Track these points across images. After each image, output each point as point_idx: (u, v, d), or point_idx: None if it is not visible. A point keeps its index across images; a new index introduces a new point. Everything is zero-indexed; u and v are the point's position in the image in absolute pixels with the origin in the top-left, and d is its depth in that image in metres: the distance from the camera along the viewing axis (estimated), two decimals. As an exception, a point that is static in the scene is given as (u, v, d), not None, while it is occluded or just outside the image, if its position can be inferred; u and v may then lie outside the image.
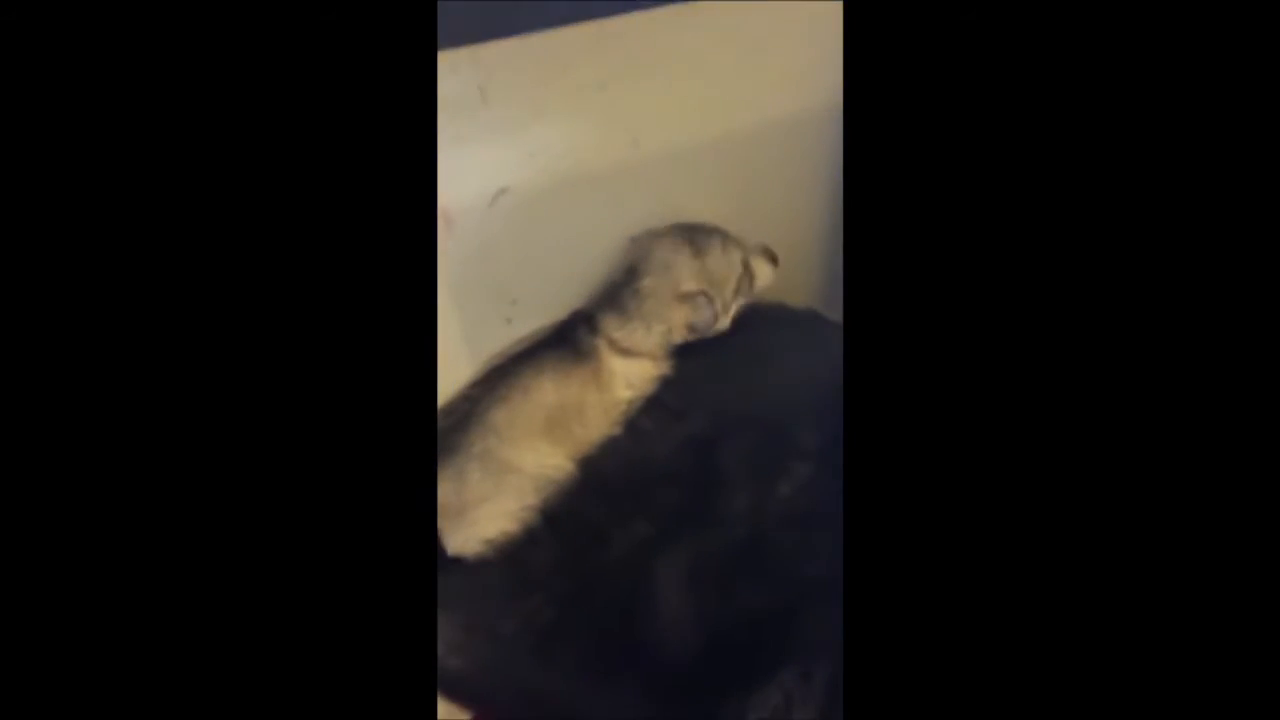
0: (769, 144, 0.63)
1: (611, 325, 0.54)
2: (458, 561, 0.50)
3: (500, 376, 0.53)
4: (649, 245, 0.55)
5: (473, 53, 0.46)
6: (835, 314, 0.64)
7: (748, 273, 0.55)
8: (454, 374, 0.56)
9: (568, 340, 0.54)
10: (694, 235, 0.55)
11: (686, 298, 0.53)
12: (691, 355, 0.54)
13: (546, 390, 0.52)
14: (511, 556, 0.48)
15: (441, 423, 0.52)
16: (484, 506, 0.50)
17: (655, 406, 0.51)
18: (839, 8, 0.62)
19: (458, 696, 0.47)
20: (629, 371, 0.53)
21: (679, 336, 0.54)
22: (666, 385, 0.52)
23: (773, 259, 0.58)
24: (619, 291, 0.54)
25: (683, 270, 0.54)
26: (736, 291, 0.55)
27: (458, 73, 0.47)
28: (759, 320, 0.57)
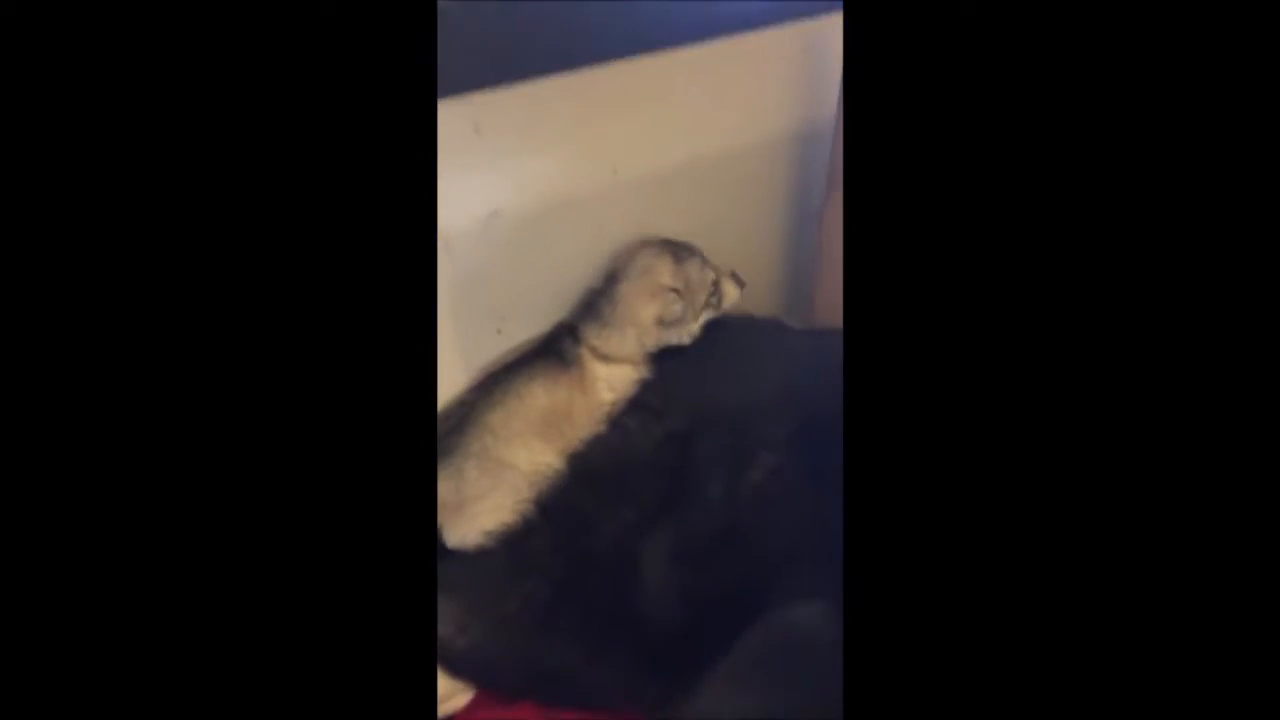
0: (733, 169, 0.69)
1: (591, 333, 0.58)
2: (458, 552, 0.54)
3: (494, 383, 0.57)
4: (631, 253, 0.60)
5: (469, 97, 0.51)
6: (796, 322, 0.70)
7: (717, 291, 0.60)
8: (450, 381, 0.60)
9: (554, 349, 0.59)
10: (675, 248, 0.60)
11: (659, 293, 0.57)
12: (669, 360, 0.59)
13: (538, 394, 0.56)
14: (510, 545, 0.53)
15: (440, 426, 0.57)
16: (482, 501, 0.55)
17: (637, 406, 0.55)
18: (796, 47, 0.69)
19: (464, 673, 0.51)
20: (611, 376, 0.58)
21: (651, 339, 0.58)
22: (647, 387, 0.56)
23: (740, 283, 0.63)
24: (597, 299, 0.59)
25: (662, 273, 0.58)
26: (705, 304, 0.60)
27: (455, 112, 0.52)
28: (728, 328, 0.62)
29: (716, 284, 0.60)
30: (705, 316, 0.60)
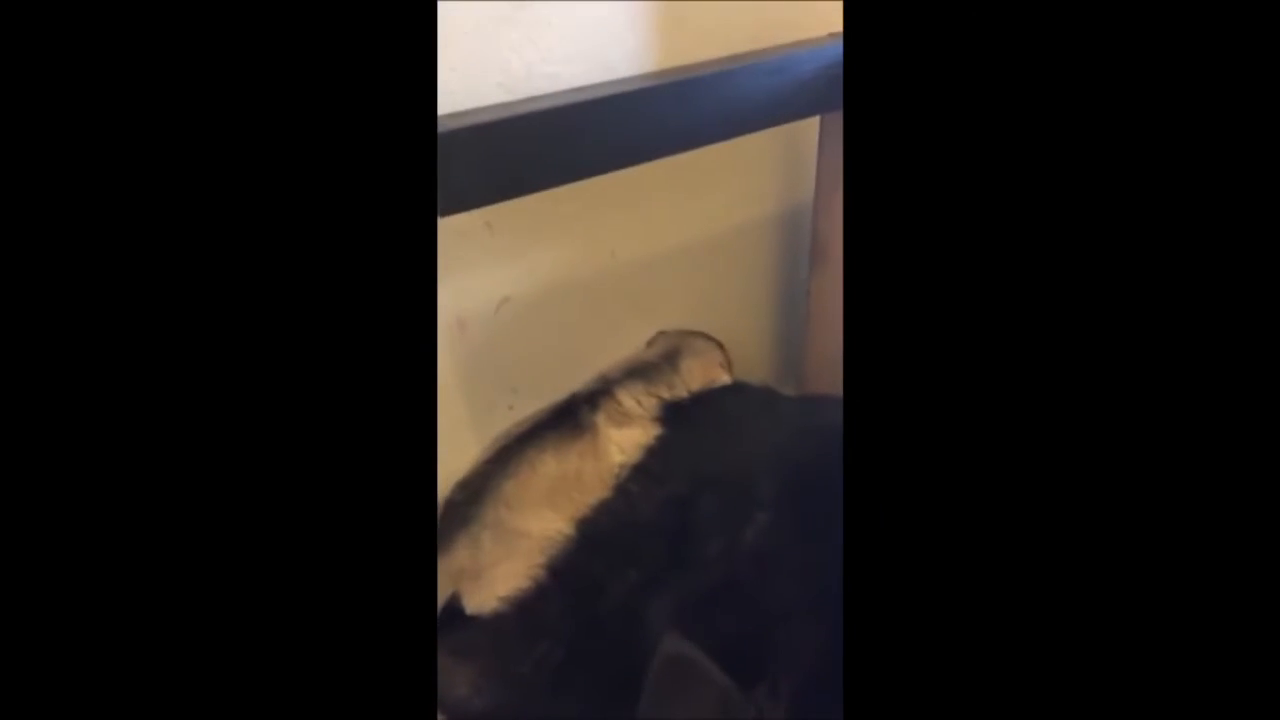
0: (725, 250, 0.74)
1: (625, 394, 0.64)
2: (477, 617, 0.57)
3: (508, 455, 0.62)
4: (681, 339, 0.68)
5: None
6: (786, 388, 0.75)
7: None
8: (462, 454, 0.65)
9: (568, 417, 0.63)
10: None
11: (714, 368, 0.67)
12: (670, 428, 0.63)
13: (549, 463, 0.60)
14: (523, 609, 0.56)
15: (457, 495, 0.60)
16: (498, 568, 0.58)
17: (640, 473, 0.59)
18: (777, 143, 0.76)
19: (481, 734, 0.53)
20: (622, 439, 0.62)
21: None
22: (650, 454, 0.60)
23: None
24: (655, 367, 0.66)
25: (712, 359, 0.67)
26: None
27: (470, 213, 0.58)
28: (724, 396, 0.67)
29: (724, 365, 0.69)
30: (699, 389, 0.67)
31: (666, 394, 0.65)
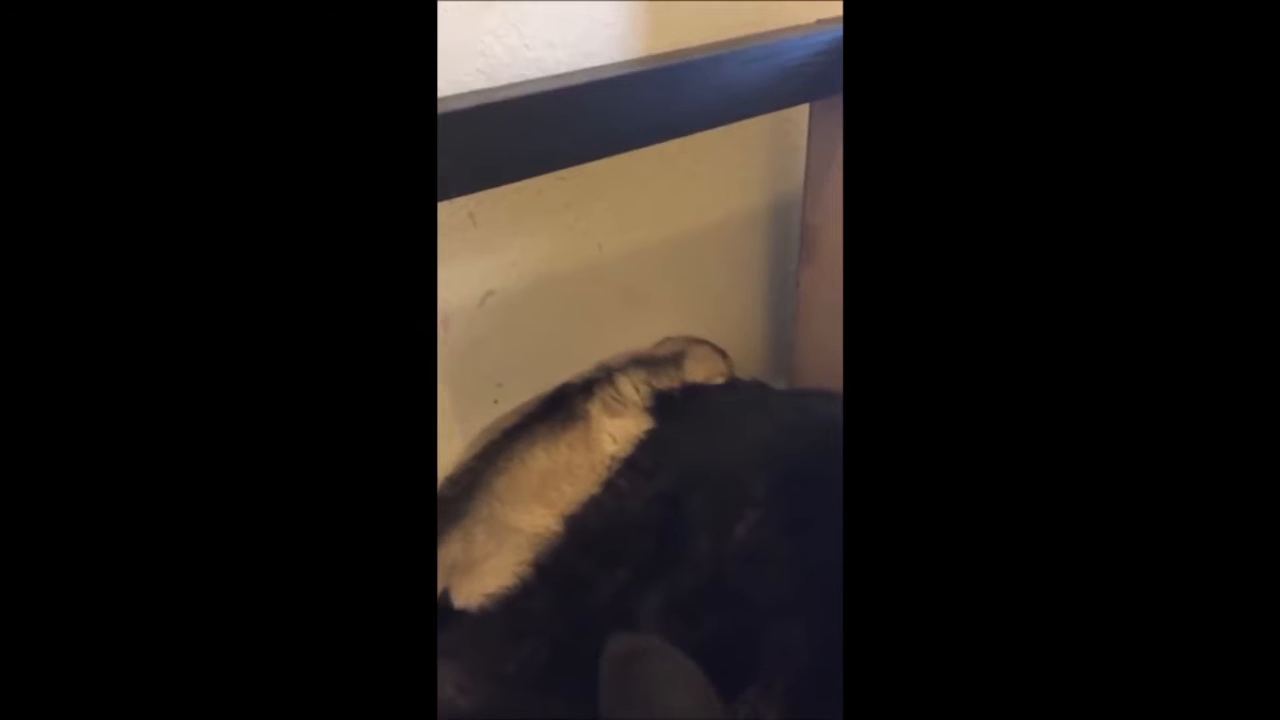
0: (713, 241, 0.73)
1: (624, 382, 0.63)
2: (464, 614, 0.56)
3: (498, 449, 0.60)
4: (688, 344, 0.68)
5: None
6: (777, 382, 0.74)
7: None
8: (448, 448, 0.64)
9: (559, 408, 0.62)
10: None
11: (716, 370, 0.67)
12: (661, 420, 0.62)
13: (539, 457, 0.59)
14: (510, 607, 0.55)
15: (448, 491, 0.59)
16: (488, 562, 0.57)
17: (629, 468, 0.58)
18: (766, 134, 0.75)
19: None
20: (615, 429, 0.61)
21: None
22: (640, 448, 0.60)
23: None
24: (660, 361, 0.65)
25: (715, 366, 0.67)
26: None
27: (453, 204, 0.57)
28: (713, 391, 0.66)
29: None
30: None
31: (664, 385, 0.65)
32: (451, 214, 0.57)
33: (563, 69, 0.55)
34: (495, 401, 0.67)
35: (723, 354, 0.69)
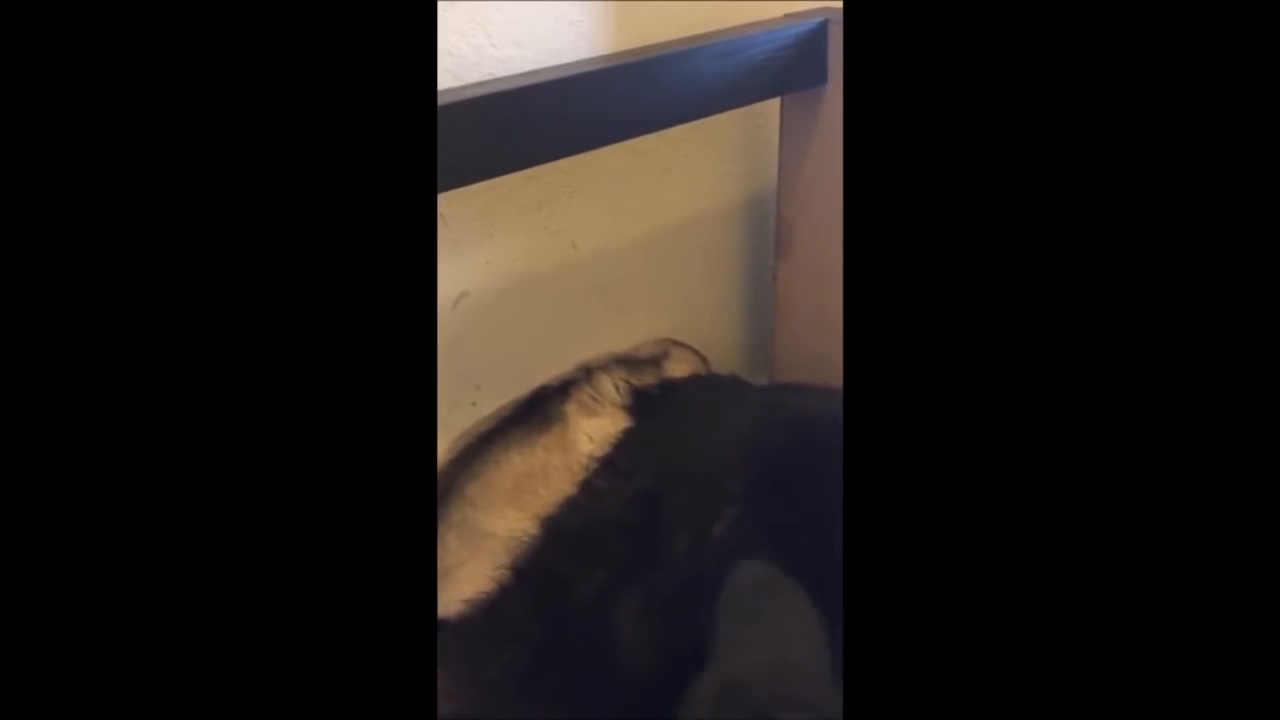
0: (689, 238, 0.73)
1: (604, 380, 0.63)
2: (443, 623, 0.56)
3: (473, 454, 0.60)
4: (668, 346, 0.68)
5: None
6: (755, 379, 0.74)
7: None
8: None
9: (534, 410, 0.62)
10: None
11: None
12: (637, 418, 0.62)
13: (514, 461, 0.59)
14: (489, 611, 0.54)
15: (421, 498, 0.59)
16: (463, 570, 0.57)
17: (606, 467, 0.58)
18: (738, 129, 0.74)
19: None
20: (591, 428, 0.61)
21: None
22: (617, 447, 0.59)
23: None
24: (640, 362, 0.65)
25: (695, 367, 0.67)
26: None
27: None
28: (690, 387, 0.66)
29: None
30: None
31: (643, 384, 0.65)
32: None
33: (530, 68, 0.55)
34: (474, 404, 0.66)
35: (702, 357, 0.69)
